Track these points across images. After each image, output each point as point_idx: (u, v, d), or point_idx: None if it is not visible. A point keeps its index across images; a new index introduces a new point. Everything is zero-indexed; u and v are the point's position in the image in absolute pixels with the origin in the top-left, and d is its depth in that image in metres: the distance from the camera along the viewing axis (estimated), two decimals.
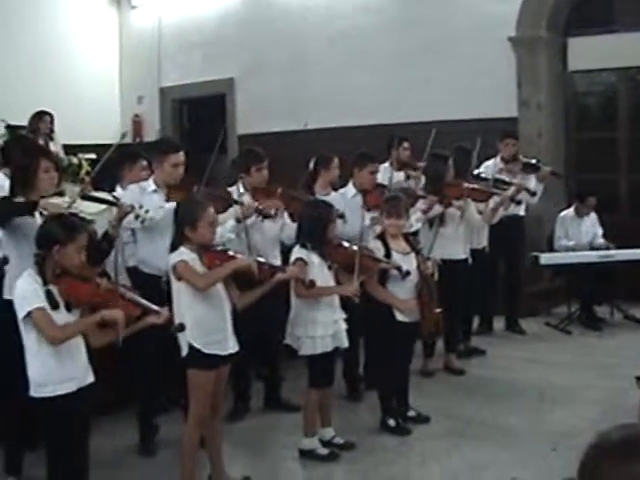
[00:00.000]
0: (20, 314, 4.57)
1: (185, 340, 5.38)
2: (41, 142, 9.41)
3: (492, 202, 8.42)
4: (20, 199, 5.55)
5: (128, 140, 15.02)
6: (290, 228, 6.98)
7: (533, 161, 9.73)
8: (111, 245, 5.75)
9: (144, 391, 6.65)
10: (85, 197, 5.75)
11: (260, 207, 6.78)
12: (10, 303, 5.07)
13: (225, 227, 6.53)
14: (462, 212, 8.13)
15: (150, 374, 6.51)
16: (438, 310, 6.83)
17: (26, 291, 4.60)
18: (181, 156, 6.55)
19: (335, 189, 8.00)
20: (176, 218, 5.58)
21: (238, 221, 6.66)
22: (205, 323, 5.43)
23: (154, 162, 6.68)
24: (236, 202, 6.79)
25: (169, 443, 6.48)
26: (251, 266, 5.55)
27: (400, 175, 9.03)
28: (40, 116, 10.76)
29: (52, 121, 10.84)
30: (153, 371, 6.48)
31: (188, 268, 5.37)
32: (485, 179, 8.76)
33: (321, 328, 6.21)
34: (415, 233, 7.62)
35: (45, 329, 4.53)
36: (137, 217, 5.74)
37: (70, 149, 10.69)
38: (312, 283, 6.03)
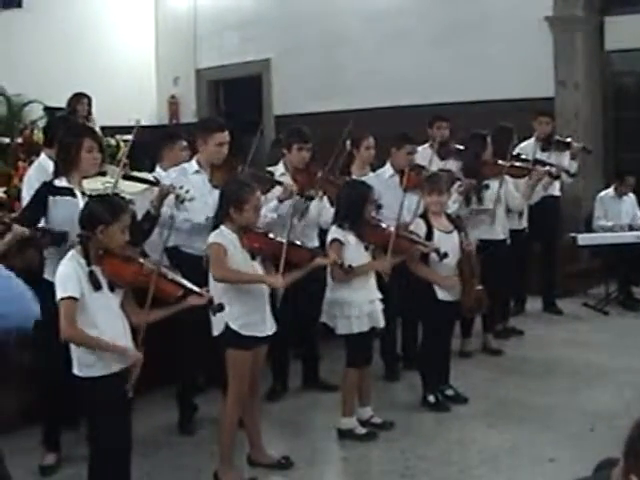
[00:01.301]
0: (57, 297, 4.61)
1: (221, 320, 5.42)
2: None
3: (530, 179, 8.40)
4: (62, 180, 5.59)
5: (165, 121, 15.16)
6: (328, 212, 6.96)
7: (568, 139, 9.67)
8: (153, 225, 5.78)
9: (183, 371, 6.71)
10: (126, 177, 5.78)
11: (302, 190, 6.79)
12: (48, 283, 5.14)
13: (268, 207, 6.54)
14: (499, 187, 8.09)
15: (189, 354, 6.56)
16: (479, 287, 6.85)
17: (65, 274, 4.64)
18: (226, 135, 6.55)
19: (373, 170, 8.00)
20: (222, 197, 5.61)
21: (280, 201, 6.69)
22: (243, 305, 5.46)
23: (198, 141, 6.67)
24: (279, 183, 6.81)
25: (208, 422, 6.54)
26: (275, 285, 5.58)
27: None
28: (78, 98, 10.81)
29: (90, 103, 10.89)
30: (192, 351, 6.52)
31: (219, 252, 5.40)
32: (525, 160, 8.73)
33: (357, 308, 6.22)
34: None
35: (64, 321, 4.55)
36: (177, 197, 5.76)
37: (107, 131, 10.75)
38: (350, 267, 6.04)
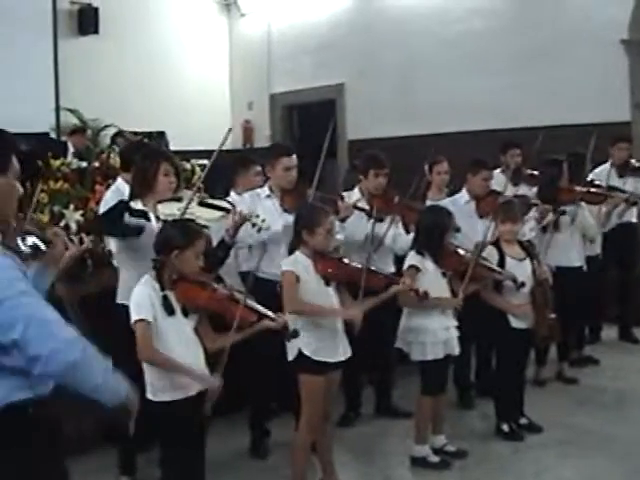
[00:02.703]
0: (132, 320, 4.65)
1: (295, 345, 5.42)
2: None
3: (606, 206, 8.31)
4: (138, 204, 5.64)
5: (239, 146, 15.26)
6: (403, 240, 6.97)
7: None
8: (227, 253, 5.79)
9: (256, 395, 6.73)
10: (202, 204, 5.81)
11: (372, 211, 6.78)
12: (123, 306, 5.19)
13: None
14: (574, 216, 8.01)
15: (263, 378, 6.57)
16: (552, 315, 6.77)
17: (140, 299, 4.68)
18: (293, 159, 6.57)
19: (450, 195, 7.96)
20: (296, 221, 5.62)
21: (341, 221, 6.64)
22: (317, 330, 5.46)
23: (267, 167, 6.72)
24: (356, 207, 6.84)
25: (280, 447, 6.52)
26: (355, 319, 5.52)
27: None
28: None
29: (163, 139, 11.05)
30: (265, 375, 6.52)
31: (291, 281, 5.42)
32: (599, 186, 8.62)
33: (432, 335, 6.19)
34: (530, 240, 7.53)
35: (140, 345, 4.60)
36: (254, 225, 5.77)
37: (182, 155, 10.82)
38: (425, 294, 5.98)
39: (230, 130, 6.30)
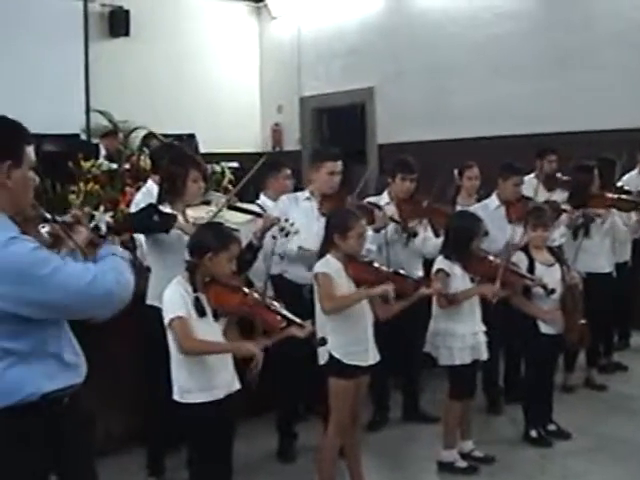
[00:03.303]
0: (165, 320, 4.66)
1: (325, 349, 5.41)
2: None
3: (637, 215, 8.26)
4: (166, 207, 5.67)
5: (268, 149, 15.29)
6: (432, 244, 6.96)
7: None
8: (255, 256, 5.80)
9: (284, 399, 6.73)
10: (231, 207, 5.82)
11: (406, 224, 6.78)
12: (153, 308, 5.21)
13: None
14: (604, 220, 7.97)
15: (291, 382, 6.58)
16: (582, 321, 6.74)
17: (173, 298, 4.70)
18: (338, 165, 6.54)
19: (479, 200, 7.94)
20: (327, 225, 5.63)
21: (376, 231, 6.65)
22: (346, 334, 5.46)
23: (311, 169, 6.70)
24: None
25: (307, 451, 6.54)
26: (386, 293, 5.48)
27: None
28: (150, 137, 10.95)
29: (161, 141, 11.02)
30: (293, 379, 6.54)
31: (326, 282, 5.42)
32: (629, 192, 8.57)
33: (460, 339, 6.18)
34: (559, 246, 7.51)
35: (181, 338, 4.61)
36: (282, 229, 5.77)
37: (212, 157, 10.86)
38: (455, 297, 6.02)
39: (264, 156, 6.32)
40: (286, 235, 5.80)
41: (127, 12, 14.40)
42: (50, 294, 3.07)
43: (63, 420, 3.25)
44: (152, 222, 5.50)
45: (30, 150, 3.28)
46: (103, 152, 11.42)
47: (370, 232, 6.54)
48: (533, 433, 6.82)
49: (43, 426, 3.20)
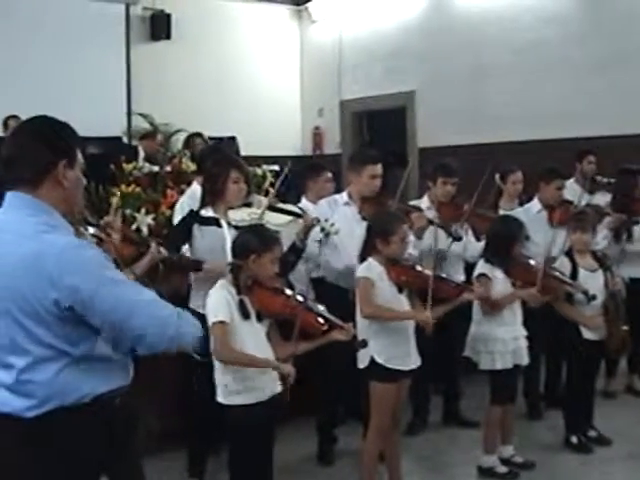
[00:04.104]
0: (209, 322, 4.67)
1: (367, 353, 5.41)
2: None
3: None
4: (209, 210, 5.70)
5: (308, 152, 15.31)
6: (474, 247, 6.96)
7: None
8: (298, 257, 5.80)
9: (324, 402, 6.73)
10: (272, 208, 5.83)
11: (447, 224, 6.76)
12: (197, 313, 5.22)
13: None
14: None
15: (331, 385, 6.58)
16: (625, 327, 6.68)
17: (217, 301, 4.72)
18: (379, 168, 6.53)
19: (521, 204, 7.89)
20: (369, 229, 5.63)
21: (419, 238, 6.63)
22: (388, 338, 5.45)
23: (351, 172, 6.69)
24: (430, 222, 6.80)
25: (347, 454, 6.56)
26: (426, 321, 5.45)
27: None
28: (193, 138, 10.99)
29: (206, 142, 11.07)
30: (334, 382, 6.54)
31: (367, 287, 5.42)
32: None
33: (501, 344, 6.15)
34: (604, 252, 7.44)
35: (219, 345, 4.63)
36: (322, 230, 5.78)
37: (253, 160, 10.87)
38: (497, 302, 6.01)
39: (288, 168, 6.35)
40: (327, 235, 5.80)
41: (168, 16, 14.51)
42: (109, 302, 3.10)
43: (114, 421, 3.27)
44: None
45: (79, 153, 3.32)
46: (142, 154, 11.47)
47: (412, 237, 6.55)
48: (573, 439, 6.78)
49: (96, 427, 3.21)
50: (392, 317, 5.51)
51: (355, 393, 5.94)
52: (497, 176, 8.02)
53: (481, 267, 6.22)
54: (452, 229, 6.84)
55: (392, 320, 5.50)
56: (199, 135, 10.24)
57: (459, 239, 6.89)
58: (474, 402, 7.28)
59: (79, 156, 3.29)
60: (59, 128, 3.30)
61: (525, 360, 6.28)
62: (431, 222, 6.72)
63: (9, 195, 3.21)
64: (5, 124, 11.02)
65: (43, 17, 12.93)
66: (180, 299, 5.74)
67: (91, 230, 3.83)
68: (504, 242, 6.19)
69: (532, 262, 6.32)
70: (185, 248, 5.82)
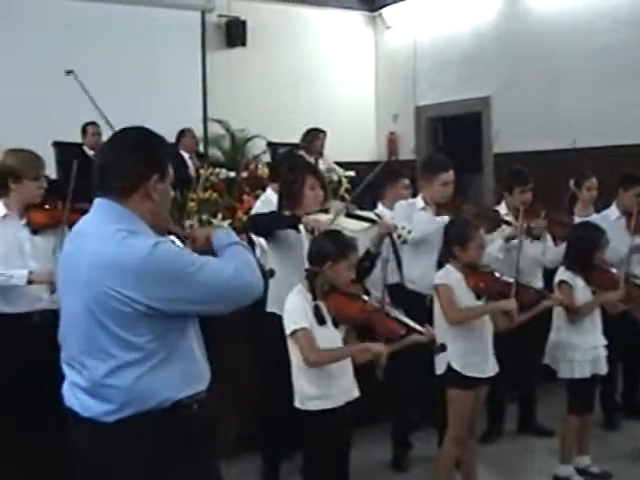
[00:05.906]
0: (287, 330, 4.69)
1: (444, 359, 5.41)
2: (311, 160, 9.46)
3: None
4: (286, 214, 5.72)
5: (383, 158, 15.30)
6: (552, 252, 6.91)
7: None
8: (373, 263, 5.80)
9: (400, 408, 6.72)
10: (348, 215, 5.84)
11: (530, 226, 6.71)
12: (273, 315, 5.25)
13: (494, 246, 6.51)
14: None
15: (406, 391, 6.57)
16: None
17: (295, 308, 4.72)
18: (450, 175, 6.56)
19: (597, 210, 7.82)
20: (446, 236, 5.62)
21: (506, 240, 6.64)
22: (466, 344, 5.43)
23: (423, 180, 6.72)
24: (505, 222, 6.77)
25: (421, 461, 6.54)
26: (511, 308, 5.44)
27: None
28: (316, 133, 11.03)
29: (324, 139, 11.09)
30: (409, 388, 6.53)
31: (448, 293, 5.40)
32: None
33: (580, 353, 6.08)
34: None
35: (305, 350, 4.62)
36: (399, 237, 5.77)
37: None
38: (579, 310, 5.95)
39: (371, 176, 6.38)
40: (403, 242, 5.79)
41: (244, 22, 14.63)
42: (198, 290, 3.12)
43: (192, 427, 3.29)
44: (280, 217, 5.60)
45: (171, 167, 3.36)
46: (185, 154, 11.53)
47: (500, 241, 6.53)
48: None
49: (175, 433, 3.24)
50: (481, 312, 5.49)
51: (430, 398, 5.91)
52: (571, 182, 7.94)
53: (562, 274, 6.15)
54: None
55: (482, 315, 5.48)
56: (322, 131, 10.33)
57: (538, 238, 6.84)
58: (550, 410, 7.20)
59: (170, 171, 3.33)
60: (156, 142, 3.35)
61: (604, 370, 6.21)
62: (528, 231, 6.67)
63: (98, 201, 3.26)
64: (84, 130, 11.17)
65: (127, 27, 13.14)
66: (257, 304, 5.80)
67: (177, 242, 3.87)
68: (585, 249, 6.12)
69: (613, 270, 6.24)
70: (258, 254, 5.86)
